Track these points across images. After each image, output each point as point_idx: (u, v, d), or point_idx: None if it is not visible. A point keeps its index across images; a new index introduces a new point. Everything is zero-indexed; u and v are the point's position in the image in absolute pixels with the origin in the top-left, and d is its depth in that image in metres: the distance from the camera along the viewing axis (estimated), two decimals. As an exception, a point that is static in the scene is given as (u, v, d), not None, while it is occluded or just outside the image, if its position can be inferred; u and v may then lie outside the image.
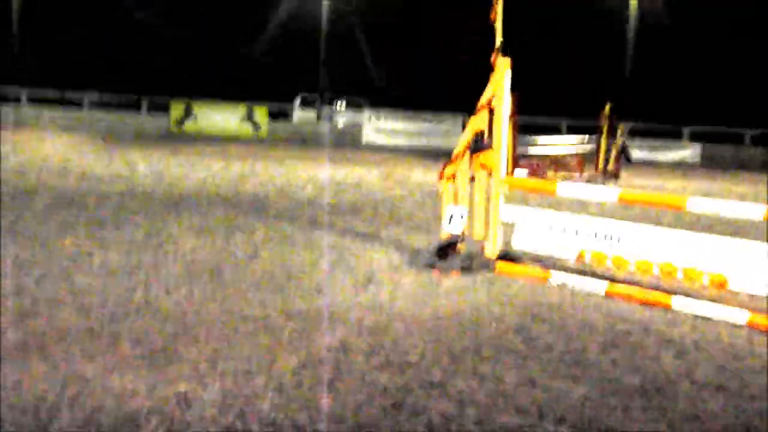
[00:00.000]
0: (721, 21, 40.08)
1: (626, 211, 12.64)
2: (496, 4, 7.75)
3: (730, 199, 17.00)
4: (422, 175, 18.07)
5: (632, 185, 19.29)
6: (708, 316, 6.13)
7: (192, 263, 7.14)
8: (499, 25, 7.79)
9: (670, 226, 10.94)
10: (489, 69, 7.84)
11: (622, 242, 6.90)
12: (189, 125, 33.76)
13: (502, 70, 7.72)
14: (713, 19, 40.14)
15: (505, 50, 7.79)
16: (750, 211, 6.09)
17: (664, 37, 39.19)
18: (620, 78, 36.00)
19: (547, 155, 20.49)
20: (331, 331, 5.29)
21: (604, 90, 25.13)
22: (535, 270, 7.50)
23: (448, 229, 7.86)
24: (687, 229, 10.06)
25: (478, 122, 7.85)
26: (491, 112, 7.82)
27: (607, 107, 20.70)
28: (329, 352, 4.84)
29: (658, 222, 11.43)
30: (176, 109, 33.97)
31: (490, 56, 7.80)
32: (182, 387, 4.14)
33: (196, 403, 3.97)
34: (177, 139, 29.19)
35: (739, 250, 6.29)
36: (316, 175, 17.07)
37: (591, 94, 24.82)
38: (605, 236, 7.05)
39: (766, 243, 6.72)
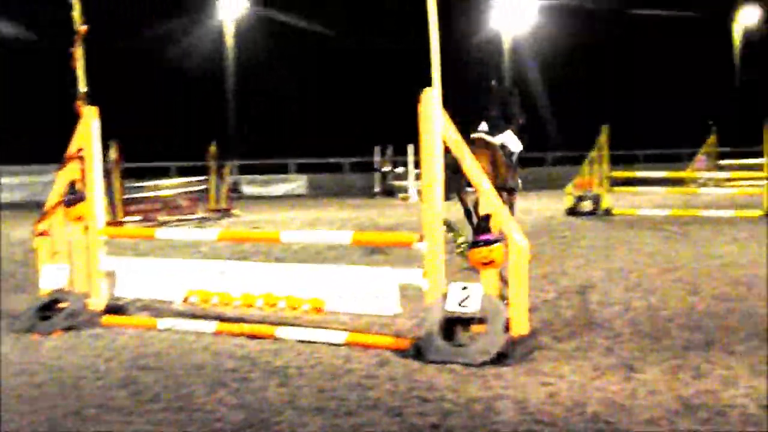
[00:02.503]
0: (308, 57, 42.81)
1: (237, 247, 12.90)
2: (76, 50, 7.54)
3: (336, 224, 18.05)
4: (22, 231, 16.96)
5: (247, 220, 19.76)
6: (311, 340, 6.43)
7: None
8: (81, 73, 7.58)
9: (281, 259, 11.41)
10: (76, 118, 7.61)
11: (225, 279, 7.00)
12: None
13: (89, 118, 7.52)
14: (303, 56, 42.78)
15: (90, 98, 7.61)
16: (338, 237, 6.49)
17: (263, 76, 40.78)
18: (224, 117, 36.69)
19: (159, 199, 20.34)
20: None
21: (210, 130, 25.42)
22: (143, 318, 7.37)
23: (46, 287, 7.47)
24: (303, 260, 10.54)
25: (68, 173, 7.57)
26: (83, 161, 7.58)
27: (213, 147, 21.04)
28: None
29: (268, 256, 11.83)
30: None
31: (74, 105, 7.57)
32: None
33: None
34: None
35: (332, 274, 6.66)
36: None
37: (197, 135, 25.03)
38: (209, 275, 7.11)
39: (355, 266, 7.23)
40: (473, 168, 6.11)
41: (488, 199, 6.03)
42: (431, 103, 5.99)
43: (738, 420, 4.44)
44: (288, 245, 12.36)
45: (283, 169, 33.43)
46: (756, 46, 45.67)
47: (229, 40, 36.42)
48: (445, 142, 6.05)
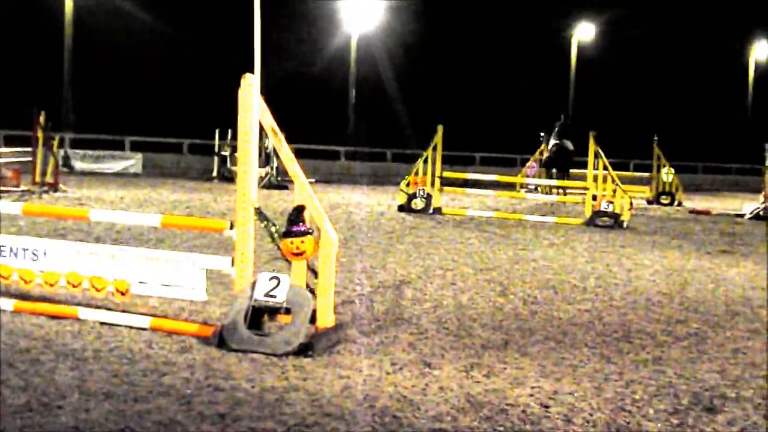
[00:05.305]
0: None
1: (58, 224, 12.38)
2: None
3: (167, 205, 17.65)
4: None
5: (74, 196, 19.04)
6: (115, 323, 6.26)
7: None
8: None
9: (101, 239, 11.02)
10: None
11: (28, 256, 6.71)
12: None
13: None
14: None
15: None
16: (147, 219, 6.33)
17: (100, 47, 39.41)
18: (58, 88, 35.10)
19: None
20: None
21: (38, 99, 24.12)
22: (-65, 293, 6.97)
23: None
24: (124, 242, 10.22)
25: None
26: None
27: (42, 117, 20.12)
28: None
29: (88, 235, 11.41)
30: None
31: None
32: None
33: None
34: None
35: (138, 256, 6.50)
36: None
37: (25, 103, 23.77)
38: (10, 251, 6.79)
39: (161, 250, 7.08)
40: (289, 159, 6.10)
41: (302, 191, 6.03)
42: (250, 89, 5.94)
43: (517, 418, 4.62)
44: (111, 225, 11.99)
45: (118, 146, 32.36)
46: (591, 59, 47.92)
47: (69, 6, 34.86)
48: (262, 128, 6.03)
